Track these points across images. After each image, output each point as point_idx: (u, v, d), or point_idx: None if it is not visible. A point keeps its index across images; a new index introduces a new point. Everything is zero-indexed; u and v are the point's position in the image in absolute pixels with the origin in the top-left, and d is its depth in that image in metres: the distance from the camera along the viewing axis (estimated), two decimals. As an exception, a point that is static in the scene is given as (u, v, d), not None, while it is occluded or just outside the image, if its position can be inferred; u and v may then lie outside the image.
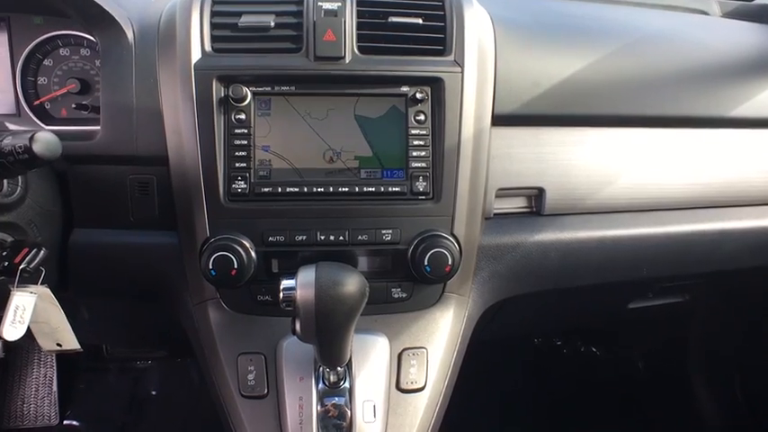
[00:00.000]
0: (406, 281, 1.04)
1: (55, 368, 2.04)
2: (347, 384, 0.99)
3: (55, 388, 2.03)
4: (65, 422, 2.02)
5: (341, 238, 1.00)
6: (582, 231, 1.15)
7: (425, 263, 0.99)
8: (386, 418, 0.99)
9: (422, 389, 1.03)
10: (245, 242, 0.97)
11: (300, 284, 0.81)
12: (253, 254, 0.98)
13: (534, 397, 2.22)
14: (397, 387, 1.02)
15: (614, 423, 2.15)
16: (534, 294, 1.25)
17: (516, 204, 1.16)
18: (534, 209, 1.14)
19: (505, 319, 1.46)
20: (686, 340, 2.08)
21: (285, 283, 0.85)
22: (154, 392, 2.08)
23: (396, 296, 1.05)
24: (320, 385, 0.99)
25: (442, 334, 1.08)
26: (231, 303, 1.04)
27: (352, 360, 1.00)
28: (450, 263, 0.99)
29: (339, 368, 0.93)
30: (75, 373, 2.09)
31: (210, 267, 0.95)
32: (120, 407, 2.06)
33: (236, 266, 0.95)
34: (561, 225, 1.15)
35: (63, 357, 2.06)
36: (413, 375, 1.03)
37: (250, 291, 1.03)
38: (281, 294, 0.84)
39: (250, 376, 1.00)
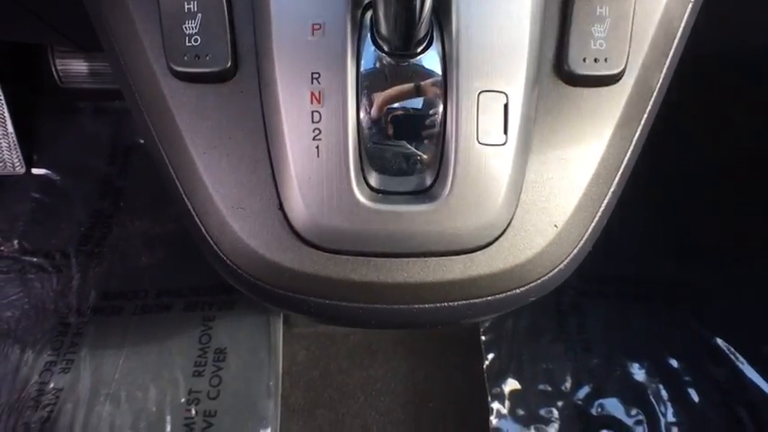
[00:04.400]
0: None
1: (4, 103, 1.52)
2: (437, 50, 0.38)
3: (11, 129, 1.54)
4: (34, 171, 1.58)
5: None
6: None
7: None
8: (529, 139, 0.40)
9: (617, 76, 0.41)
10: None
11: None
12: None
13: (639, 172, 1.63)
14: (562, 71, 0.41)
15: (738, 207, 1.59)
16: None
17: None
18: None
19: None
20: None
21: None
22: (142, 140, 1.58)
23: None
24: (367, 48, 0.38)
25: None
26: None
27: None
28: None
29: None
30: (35, 114, 1.60)
31: None
32: (101, 156, 1.60)
33: None
34: None
35: (13, 92, 1.55)
36: (599, 43, 0.40)
37: None
38: None
39: (189, 27, 0.39)
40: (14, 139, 1.56)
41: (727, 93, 1.66)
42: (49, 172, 1.61)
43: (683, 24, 0.45)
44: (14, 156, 1.57)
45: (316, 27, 0.37)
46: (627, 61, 0.41)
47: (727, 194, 1.61)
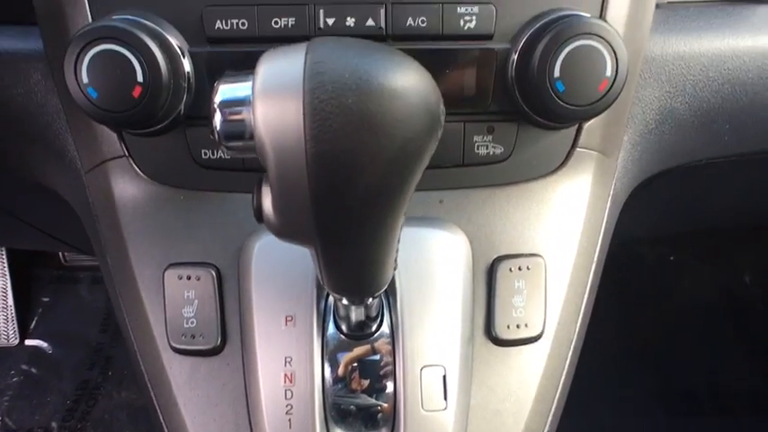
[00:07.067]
0: (504, 119, 0.51)
1: (8, 277, 1.61)
2: (386, 329, 0.47)
3: (11, 302, 1.61)
4: (27, 342, 1.62)
5: (370, 22, 0.47)
6: None
7: (555, 73, 0.44)
8: (466, 399, 0.48)
9: (537, 337, 0.50)
10: (165, 33, 0.45)
11: (267, 84, 0.29)
12: (185, 60, 0.45)
13: (613, 319, 1.72)
14: (490, 335, 0.50)
15: (712, 352, 1.65)
16: (712, 166, 0.70)
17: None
18: None
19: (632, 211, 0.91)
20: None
21: (226, 87, 0.30)
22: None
23: (483, 151, 0.51)
24: (330, 331, 0.47)
25: (570, 229, 0.53)
26: (150, 165, 0.52)
27: (398, 279, 0.47)
28: (608, 73, 0.45)
29: (369, 299, 0.40)
30: (35, 285, 1.67)
31: (86, 81, 0.43)
32: (94, 324, 1.65)
33: (141, 78, 0.43)
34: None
35: (18, 265, 1.63)
36: (519, 311, 0.50)
37: (186, 140, 0.50)
38: (216, 115, 0.31)
39: (188, 311, 0.49)
40: (13, 311, 1.62)
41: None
42: (41, 342, 1.64)
43: (589, 283, 0.56)
44: (10, 328, 1.62)
45: (288, 318, 0.47)
46: (544, 323, 0.51)
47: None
